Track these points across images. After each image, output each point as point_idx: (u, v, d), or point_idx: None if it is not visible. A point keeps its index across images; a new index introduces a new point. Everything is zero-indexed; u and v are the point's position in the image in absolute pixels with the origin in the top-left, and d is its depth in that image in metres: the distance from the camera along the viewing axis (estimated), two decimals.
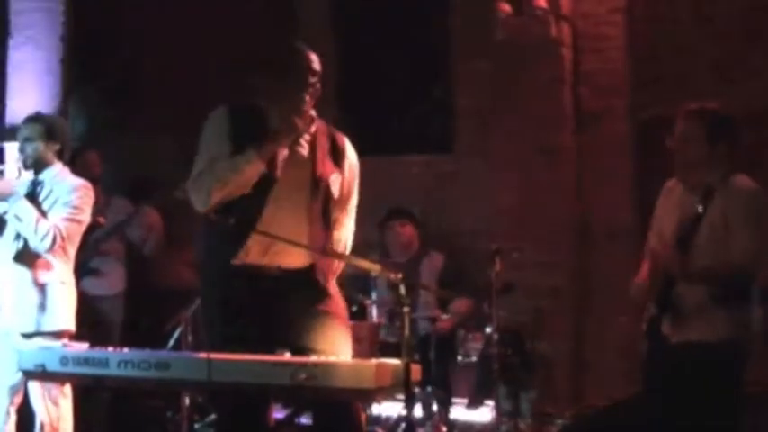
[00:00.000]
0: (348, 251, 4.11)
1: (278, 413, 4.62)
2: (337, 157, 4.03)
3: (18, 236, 4.67)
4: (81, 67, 7.68)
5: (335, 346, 3.85)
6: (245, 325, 3.82)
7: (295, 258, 3.90)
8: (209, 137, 3.96)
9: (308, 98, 3.92)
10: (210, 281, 4.00)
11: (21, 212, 4.58)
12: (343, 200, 4.07)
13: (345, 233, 4.12)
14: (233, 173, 3.81)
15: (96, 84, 8.17)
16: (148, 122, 8.22)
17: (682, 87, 6.91)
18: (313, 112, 4.01)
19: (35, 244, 4.60)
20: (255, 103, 3.98)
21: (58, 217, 4.67)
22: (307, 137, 3.96)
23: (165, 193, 6.45)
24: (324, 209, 3.96)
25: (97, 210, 5.75)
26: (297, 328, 3.86)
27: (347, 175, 4.06)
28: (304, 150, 3.94)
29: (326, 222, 3.99)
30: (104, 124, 8.23)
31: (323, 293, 3.95)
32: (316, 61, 3.95)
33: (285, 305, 3.87)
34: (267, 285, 3.87)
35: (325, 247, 3.93)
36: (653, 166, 6.21)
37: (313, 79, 3.92)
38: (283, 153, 3.87)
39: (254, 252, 3.86)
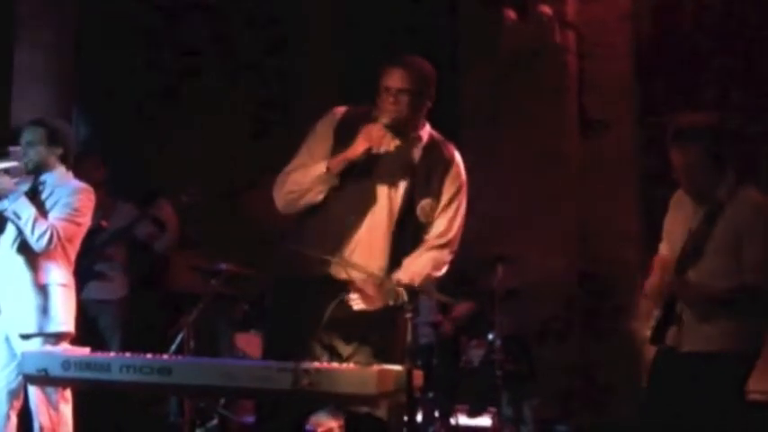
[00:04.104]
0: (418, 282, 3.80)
1: None
2: (436, 180, 3.92)
3: (17, 237, 4.65)
4: (86, 71, 7.68)
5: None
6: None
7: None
8: (312, 135, 3.98)
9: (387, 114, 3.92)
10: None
11: (19, 209, 4.55)
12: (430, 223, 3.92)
13: (419, 260, 3.87)
14: (300, 185, 3.84)
15: (101, 89, 8.17)
16: (154, 128, 8.21)
17: (687, 94, 6.91)
18: (426, 130, 4.01)
19: (32, 242, 4.58)
20: (370, 108, 3.97)
21: (56, 217, 4.65)
22: (415, 152, 3.94)
23: (171, 197, 6.45)
24: (401, 230, 3.85)
25: (101, 213, 5.75)
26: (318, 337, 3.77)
27: (443, 200, 3.92)
28: (399, 168, 3.87)
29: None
30: (109, 130, 8.22)
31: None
32: (400, 79, 3.99)
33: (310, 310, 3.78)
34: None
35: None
36: (658, 173, 6.20)
37: (391, 97, 3.94)
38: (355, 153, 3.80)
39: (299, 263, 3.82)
